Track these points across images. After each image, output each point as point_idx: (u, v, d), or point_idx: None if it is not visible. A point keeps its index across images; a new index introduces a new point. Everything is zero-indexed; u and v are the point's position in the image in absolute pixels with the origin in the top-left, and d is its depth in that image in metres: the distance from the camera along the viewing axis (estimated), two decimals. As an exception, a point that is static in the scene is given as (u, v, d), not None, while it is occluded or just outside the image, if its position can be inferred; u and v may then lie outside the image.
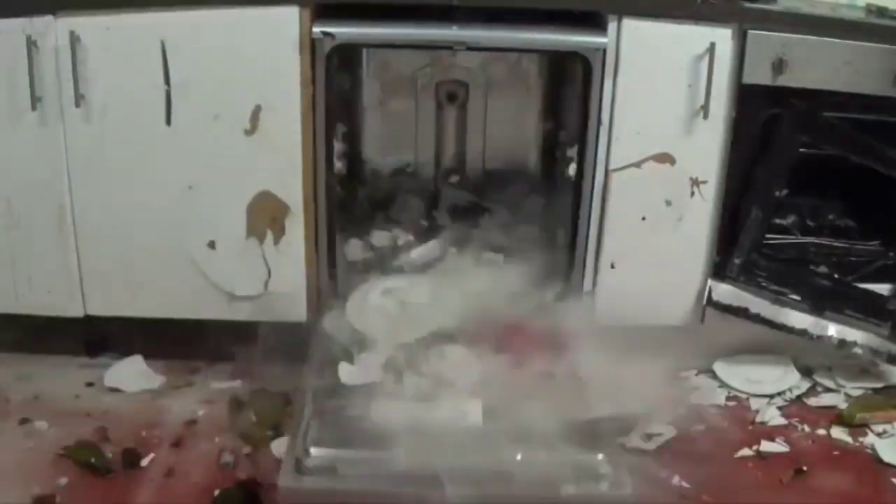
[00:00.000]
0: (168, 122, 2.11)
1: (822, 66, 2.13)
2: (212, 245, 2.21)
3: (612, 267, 2.30)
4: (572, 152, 2.24)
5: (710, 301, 2.30)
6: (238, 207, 2.19)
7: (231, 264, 2.23)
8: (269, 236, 2.21)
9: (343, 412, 1.88)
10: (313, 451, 1.72)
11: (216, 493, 1.93)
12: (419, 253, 2.43)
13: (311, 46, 2.07)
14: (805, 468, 2.08)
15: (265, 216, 2.19)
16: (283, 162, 2.15)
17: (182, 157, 2.14)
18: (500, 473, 1.71)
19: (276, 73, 2.09)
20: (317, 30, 2.05)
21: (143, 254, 2.23)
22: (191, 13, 2.04)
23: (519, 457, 1.74)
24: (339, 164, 2.26)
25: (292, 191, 2.18)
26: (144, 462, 2.02)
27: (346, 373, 2.00)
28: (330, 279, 2.29)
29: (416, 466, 1.71)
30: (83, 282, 2.24)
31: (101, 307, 2.28)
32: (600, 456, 1.74)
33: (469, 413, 1.87)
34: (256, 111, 2.11)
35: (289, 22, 2.05)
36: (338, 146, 2.24)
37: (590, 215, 2.25)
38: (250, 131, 2.12)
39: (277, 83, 2.09)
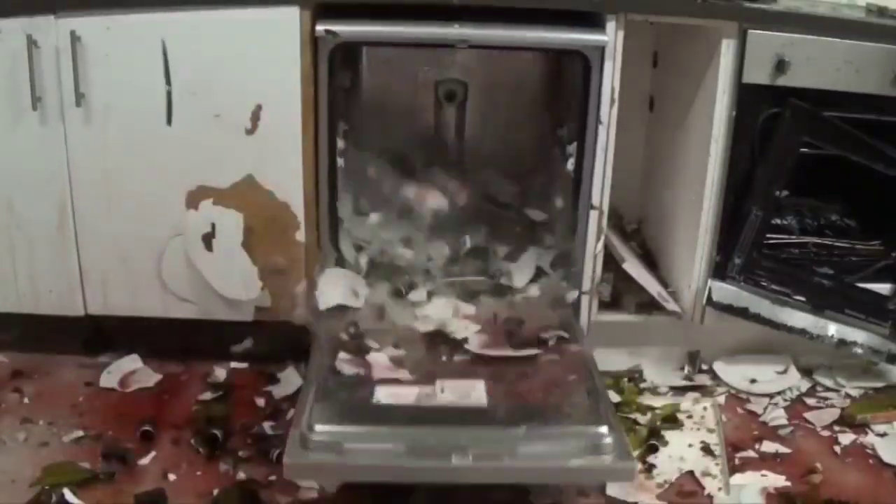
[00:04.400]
0: (169, 121, 2.11)
1: (822, 66, 2.13)
2: (211, 245, 2.21)
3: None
4: (571, 149, 2.24)
5: (710, 301, 2.30)
6: (238, 207, 2.19)
7: (231, 264, 2.23)
8: (270, 236, 2.21)
9: (347, 391, 1.88)
10: (318, 427, 1.72)
11: (216, 492, 1.93)
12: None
13: (312, 45, 2.07)
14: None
15: (265, 215, 2.20)
16: (283, 161, 2.15)
17: (183, 156, 2.14)
18: (504, 446, 1.72)
19: (276, 73, 2.09)
20: (320, 28, 2.05)
21: (143, 254, 2.23)
22: (192, 13, 2.04)
23: (523, 430, 1.73)
24: (340, 162, 2.26)
25: (293, 189, 2.18)
26: (144, 461, 2.02)
27: (345, 363, 2.01)
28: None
29: (422, 441, 1.71)
30: (84, 281, 2.24)
31: (101, 307, 2.28)
32: (604, 428, 1.74)
33: (473, 391, 1.87)
34: (257, 110, 2.11)
35: (290, 21, 2.05)
36: (339, 144, 2.24)
37: (588, 211, 2.25)
38: (251, 130, 2.12)
39: (278, 82, 2.09)
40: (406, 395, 1.87)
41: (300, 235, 2.22)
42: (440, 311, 2.20)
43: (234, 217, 2.19)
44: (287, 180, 2.17)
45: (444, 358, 2.02)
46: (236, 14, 2.05)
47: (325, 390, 1.87)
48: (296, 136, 2.13)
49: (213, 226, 2.19)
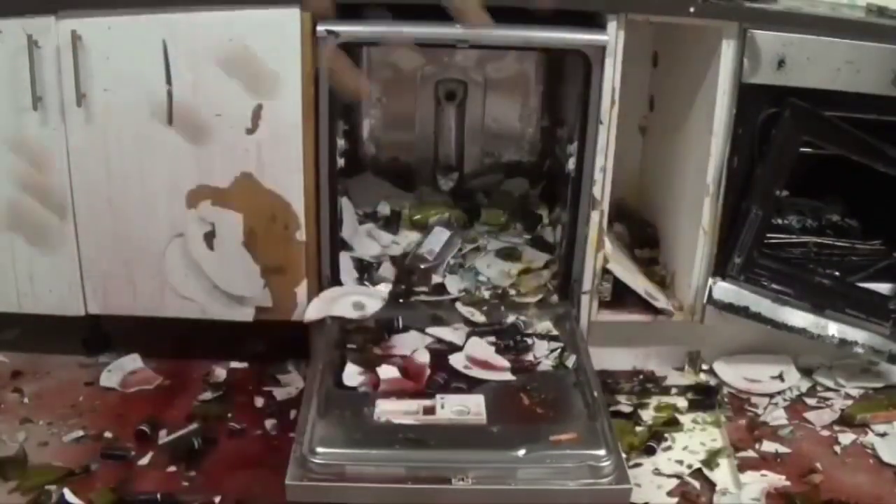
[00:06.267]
0: (169, 121, 2.11)
1: (822, 66, 2.13)
2: (212, 245, 2.21)
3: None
4: (572, 149, 2.24)
5: (710, 299, 2.30)
6: (239, 206, 2.19)
7: (231, 264, 2.23)
8: (270, 235, 2.21)
9: (349, 406, 1.88)
10: (320, 449, 1.73)
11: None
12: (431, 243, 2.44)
13: (312, 45, 2.07)
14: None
15: (266, 215, 2.19)
16: (284, 160, 2.15)
17: (183, 156, 2.14)
18: (503, 469, 1.72)
19: (277, 72, 2.09)
20: (321, 28, 2.05)
21: (143, 253, 2.22)
22: (192, 13, 2.04)
23: (522, 452, 1.74)
24: (340, 162, 2.26)
25: (294, 189, 2.18)
26: (144, 461, 2.02)
27: (350, 374, 2.00)
28: (332, 278, 2.28)
29: (422, 464, 1.72)
30: (84, 281, 2.24)
31: (101, 306, 2.28)
32: (602, 451, 1.74)
33: (473, 405, 1.87)
34: (258, 110, 2.11)
35: (290, 22, 2.05)
36: (339, 143, 2.24)
37: (589, 211, 2.25)
38: (252, 130, 2.12)
39: (278, 82, 2.09)
40: (407, 409, 1.87)
41: (301, 235, 2.22)
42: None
43: (235, 217, 2.18)
44: (288, 179, 2.17)
45: (444, 374, 2.03)
46: (237, 14, 2.04)
47: (326, 405, 1.88)
48: (297, 135, 2.13)
49: (214, 225, 2.19)
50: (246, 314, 2.27)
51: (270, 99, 2.10)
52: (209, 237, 2.20)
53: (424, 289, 2.34)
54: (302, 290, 2.26)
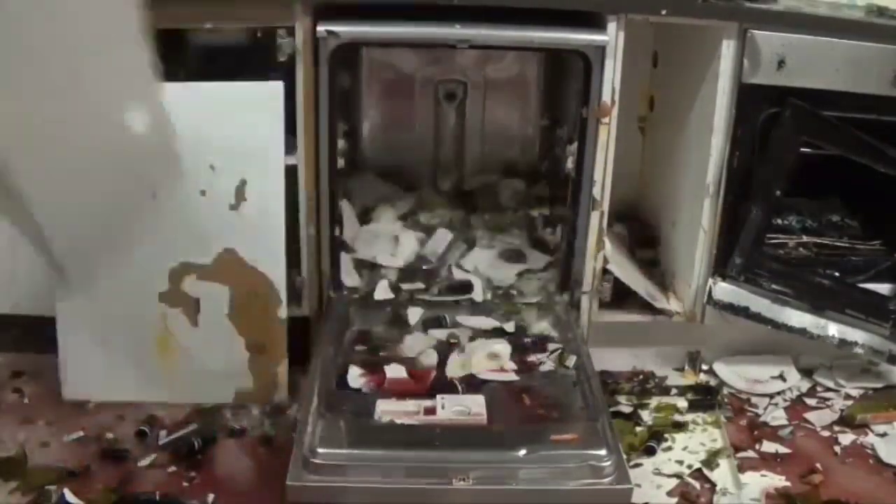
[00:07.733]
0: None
1: (822, 66, 2.13)
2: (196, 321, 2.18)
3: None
4: (572, 149, 2.24)
5: (710, 300, 2.30)
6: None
7: (216, 340, 2.18)
8: (252, 310, 2.17)
9: (350, 407, 1.88)
10: (321, 450, 1.73)
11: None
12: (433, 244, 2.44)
13: (313, 46, 2.07)
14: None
15: (247, 288, 2.15)
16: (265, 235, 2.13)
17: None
18: (504, 469, 1.72)
19: (260, 150, 2.09)
20: (321, 29, 2.05)
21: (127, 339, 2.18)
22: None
23: (523, 453, 1.74)
24: (340, 162, 2.26)
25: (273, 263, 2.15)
26: (144, 461, 2.02)
27: (352, 375, 2.01)
28: (333, 278, 2.28)
29: (423, 464, 1.72)
30: (84, 281, 2.23)
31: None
32: (602, 451, 1.74)
33: (473, 406, 1.87)
34: (241, 186, 2.10)
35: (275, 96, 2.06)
36: (339, 144, 2.24)
37: (589, 211, 2.25)
38: (235, 206, 2.11)
39: (262, 159, 2.09)
40: (407, 409, 1.87)
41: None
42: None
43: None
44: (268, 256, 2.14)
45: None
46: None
47: (326, 405, 1.88)
48: (278, 215, 2.11)
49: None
50: (226, 396, 2.21)
51: (254, 176, 2.09)
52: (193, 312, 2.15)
53: (426, 289, 2.34)
54: (283, 370, 2.21)
